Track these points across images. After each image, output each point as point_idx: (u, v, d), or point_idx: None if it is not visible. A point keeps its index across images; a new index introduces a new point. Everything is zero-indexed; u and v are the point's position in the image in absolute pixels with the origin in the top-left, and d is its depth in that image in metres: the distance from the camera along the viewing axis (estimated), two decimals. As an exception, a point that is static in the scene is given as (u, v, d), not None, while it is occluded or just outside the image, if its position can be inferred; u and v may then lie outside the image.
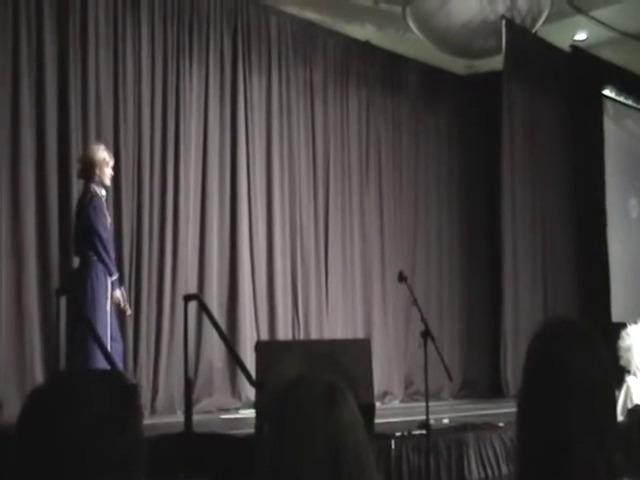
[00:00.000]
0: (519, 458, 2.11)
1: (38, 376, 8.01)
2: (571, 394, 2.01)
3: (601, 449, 1.99)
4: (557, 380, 2.03)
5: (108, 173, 7.76)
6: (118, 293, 7.65)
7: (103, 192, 7.71)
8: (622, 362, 6.74)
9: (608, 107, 12.99)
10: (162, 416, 8.62)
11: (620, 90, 13.07)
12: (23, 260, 8.25)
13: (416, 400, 10.83)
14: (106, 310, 7.46)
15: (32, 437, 1.61)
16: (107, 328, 7.38)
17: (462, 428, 7.41)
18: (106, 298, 7.48)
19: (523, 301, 11.43)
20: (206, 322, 8.56)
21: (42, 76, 8.56)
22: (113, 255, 7.69)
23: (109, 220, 7.82)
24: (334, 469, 1.85)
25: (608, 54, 12.12)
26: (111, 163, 7.79)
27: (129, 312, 8.06)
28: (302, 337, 10.34)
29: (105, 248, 7.52)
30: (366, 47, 11.74)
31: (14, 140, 8.33)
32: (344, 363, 6.03)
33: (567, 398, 2.01)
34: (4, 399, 7.72)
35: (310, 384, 1.97)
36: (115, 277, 7.62)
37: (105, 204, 7.74)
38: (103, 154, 7.75)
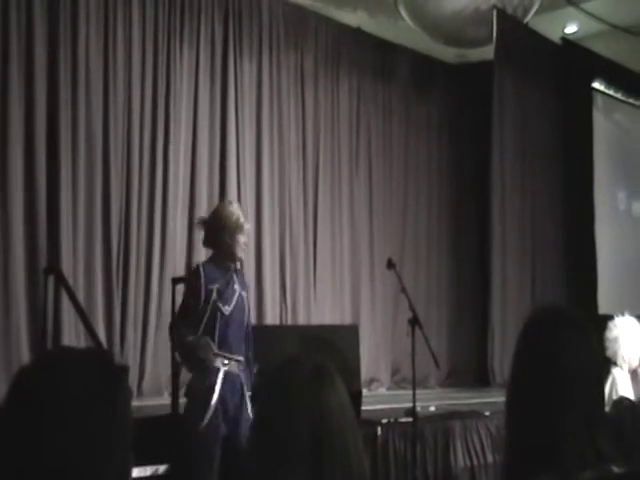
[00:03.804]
0: (507, 445, 2.11)
1: (24, 355, 7.98)
2: (561, 381, 2.01)
3: (589, 436, 1.99)
4: (547, 367, 2.04)
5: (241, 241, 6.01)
6: None
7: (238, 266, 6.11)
8: (608, 353, 6.76)
9: (598, 100, 12.99)
10: (149, 398, 8.62)
11: (610, 83, 13.07)
12: (10, 238, 8.21)
13: (403, 387, 10.84)
14: None
15: (19, 416, 1.61)
16: None
17: (448, 416, 7.43)
18: None
19: (511, 291, 11.47)
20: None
21: (31, 56, 8.50)
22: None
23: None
24: (316, 451, 1.85)
25: (598, 47, 12.12)
26: (246, 227, 6.06)
27: None
28: (290, 322, 10.35)
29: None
30: (357, 34, 11.72)
31: (2, 120, 8.29)
32: (336, 348, 6.03)
33: (557, 385, 2.01)
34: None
35: (298, 366, 1.98)
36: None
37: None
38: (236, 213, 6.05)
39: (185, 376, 8.88)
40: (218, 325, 5.75)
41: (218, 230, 5.92)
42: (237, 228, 5.89)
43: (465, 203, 13.00)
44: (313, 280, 10.92)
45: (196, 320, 5.71)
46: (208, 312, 5.72)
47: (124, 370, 1.77)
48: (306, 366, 1.96)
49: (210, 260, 5.98)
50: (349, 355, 6.57)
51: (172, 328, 5.89)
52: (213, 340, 5.67)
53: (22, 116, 8.42)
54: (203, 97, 9.97)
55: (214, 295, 5.80)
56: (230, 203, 6.26)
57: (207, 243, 6.05)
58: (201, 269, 5.87)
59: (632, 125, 13.61)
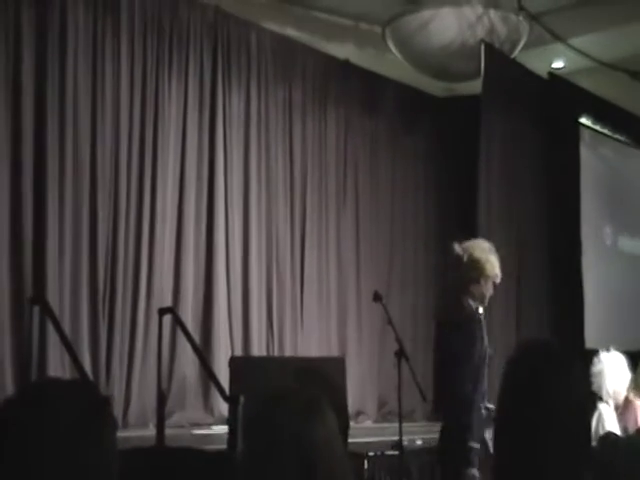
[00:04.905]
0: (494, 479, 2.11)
1: (8, 386, 7.92)
2: (546, 416, 2.01)
3: (575, 471, 1.99)
4: (529, 404, 2.04)
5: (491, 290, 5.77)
6: None
7: (480, 310, 5.78)
8: (594, 388, 6.75)
9: (585, 135, 13.05)
10: (134, 429, 8.55)
11: (596, 119, 13.14)
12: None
13: (389, 420, 10.77)
14: None
15: (4, 448, 1.59)
16: None
17: (435, 450, 7.38)
18: None
19: (496, 324, 11.42)
20: (180, 336, 8.51)
21: (19, 86, 8.50)
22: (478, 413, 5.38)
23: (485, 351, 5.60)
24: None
25: (585, 82, 12.18)
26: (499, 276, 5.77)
27: None
28: (276, 354, 10.32)
29: (466, 407, 5.31)
30: (345, 66, 11.77)
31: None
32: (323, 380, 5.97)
33: (540, 421, 2.01)
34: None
35: (288, 399, 1.97)
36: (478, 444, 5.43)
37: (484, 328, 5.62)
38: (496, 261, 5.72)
39: (171, 407, 8.86)
40: (486, 371, 5.51)
41: (477, 269, 5.72)
42: (495, 277, 5.73)
43: (451, 235, 12.96)
44: (300, 311, 10.91)
45: (472, 368, 5.43)
46: (483, 358, 5.52)
47: (108, 401, 1.76)
48: (295, 400, 1.95)
49: (468, 301, 5.66)
50: (336, 387, 6.53)
51: (452, 376, 5.56)
52: (481, 383, 5.36)
53: (9, 145, 8.41)
54: (191, 129, 9.98)
55: (485, 339, 5.57)
56: (490, 245, 6.00)
57: (457, 276, 5.80)
58: (477, 311, 5.54)
59: (619, 161, 13.67)
